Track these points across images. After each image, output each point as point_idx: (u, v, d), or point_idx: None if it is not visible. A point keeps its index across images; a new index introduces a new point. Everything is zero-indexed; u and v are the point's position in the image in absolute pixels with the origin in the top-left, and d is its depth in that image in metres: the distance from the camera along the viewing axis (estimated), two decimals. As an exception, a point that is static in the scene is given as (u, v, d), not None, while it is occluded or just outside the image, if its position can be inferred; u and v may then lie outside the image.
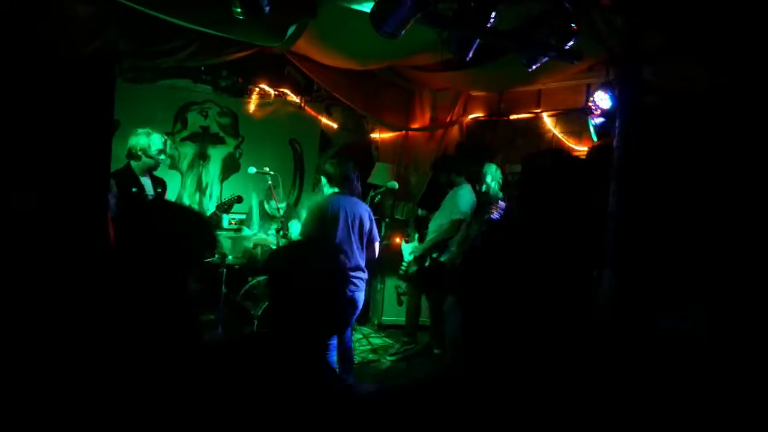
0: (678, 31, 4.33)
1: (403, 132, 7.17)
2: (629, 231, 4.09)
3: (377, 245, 4.46)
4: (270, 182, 5.19)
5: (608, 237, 4.09)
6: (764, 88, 4.15)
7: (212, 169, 6.48)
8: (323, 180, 4.40)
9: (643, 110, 4.36)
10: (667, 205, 4.38)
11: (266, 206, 5.98)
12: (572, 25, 3.83)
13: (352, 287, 4.31)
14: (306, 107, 6.86)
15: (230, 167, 6.55)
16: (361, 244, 4.30)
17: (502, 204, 4.66)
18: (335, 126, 7.13)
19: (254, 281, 5.20)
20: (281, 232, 5.02)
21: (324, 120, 7.07)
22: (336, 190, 4.27)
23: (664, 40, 4.37)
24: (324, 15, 4.29)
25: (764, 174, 4.03)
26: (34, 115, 3.18)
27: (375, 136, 7.43)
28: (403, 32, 3.18)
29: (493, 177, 5.14)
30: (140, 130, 4.54)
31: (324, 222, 4.15)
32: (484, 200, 5.06)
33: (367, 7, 3.23)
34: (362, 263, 4.34)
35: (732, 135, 4.31)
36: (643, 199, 4.23)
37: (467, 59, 3.70)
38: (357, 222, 4.22)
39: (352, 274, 4.20)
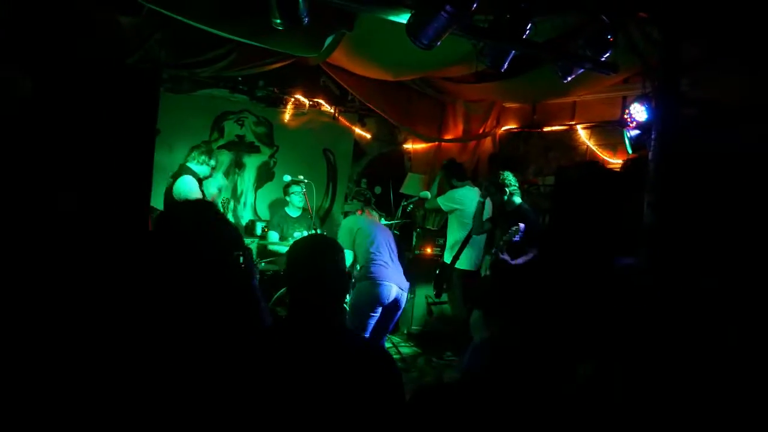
0: (717, 42, 4.28)
1: (436, 143, 7.19)
2: (664, 243, 4.03)
3: None
4: (304, 190, 5.26)
5: (642, 248, 4.04)
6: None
7: (247, 178, 6.60)
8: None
9: (681, 123, 4.31)
10: (703, 218, 4.32)
11: (288, 209, 6.06)
12: (608, 36, 3.82)
13: (399, 291, 4.57)
14: (340, 117, 6.94)
15: (264, 176, 6.66)
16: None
17: (522, 226, 4.66)
18: (368, 136, 7.20)
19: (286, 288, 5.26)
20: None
21: (357, 130, 7.14)
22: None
23: (702, 51, 4.32)
24: (360, 26, 4.36)
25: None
26: (82, 123, 3.30)
27: (408, 146, 7.48)
28: (438, 43, 3.22)
29: (513, 184, 5.13)
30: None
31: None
32: (509, 209, 5.06)
33: (403, 19, 3.28)
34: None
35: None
36: (679, 212, 4.17)
37: (502, 70, 3.71)
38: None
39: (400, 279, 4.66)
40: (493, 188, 5.12)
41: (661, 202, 4.14)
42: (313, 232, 5.13)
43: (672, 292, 3.80)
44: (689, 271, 3.94)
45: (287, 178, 5.31)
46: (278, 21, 3.23)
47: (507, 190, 5.03)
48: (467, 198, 5.68)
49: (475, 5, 3.03)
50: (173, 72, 5.78)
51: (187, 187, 4.94)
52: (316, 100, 6.71)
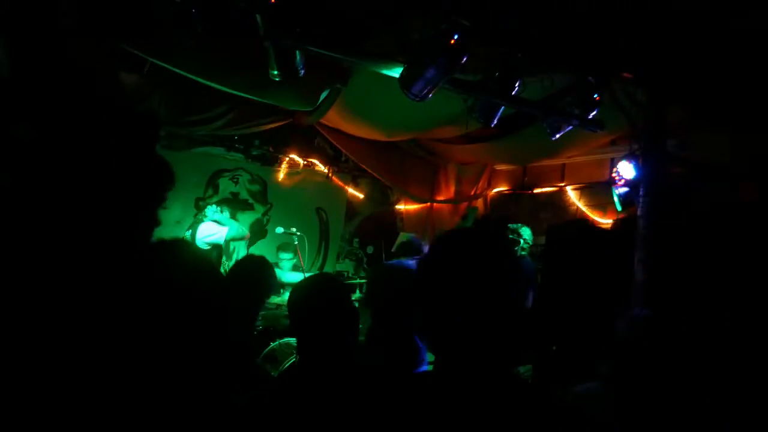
0: (701, 103, 4.43)
1: (428, 204, 7.27)
2: (655, 299, 4.03)
3: None
4: (296, 242, 5.27)
5: (636, 305, 4.02)
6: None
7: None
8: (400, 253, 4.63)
9: (668, 180, 4.40)
10: (691, 274, 4.34)
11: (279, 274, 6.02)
12: (594, 95, 3.95)
13: None
14: (333, 177, 7.03)
15: (258, 233, 6.66)
16: None
17: None
18: (361, 196, 7.27)
19: (276, 344, 5.16)
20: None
21: (350, 190, 7.22)
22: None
23: (686, 112, 4.46)
24: (354, 86, 4.49)
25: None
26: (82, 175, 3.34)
27: (400, 207, 7.55)
28: (430, 96, 3.31)
29: (528, 242, 5.16)
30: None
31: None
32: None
33: (396, 73, 3.39)
34: None
35: (760, 206, 4.31)
36: (669, 268, 4.19)
37: (492, 125, 3.81)
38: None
39: None
40: (511, 237, 5.17)
41: (650, 259, 4.16)
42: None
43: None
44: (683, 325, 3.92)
45: (279, 230, 5.33)
46: (275, 72, 3.33)
47: (521, 242, 5.09)
48: None
49: (465, 59, 3.14)
50: (171, 129, 5.88)
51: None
52: (310, 159, 6.82)
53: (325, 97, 4.48)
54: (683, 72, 4.24)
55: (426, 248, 4.64)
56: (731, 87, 4.19)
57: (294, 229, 5.29)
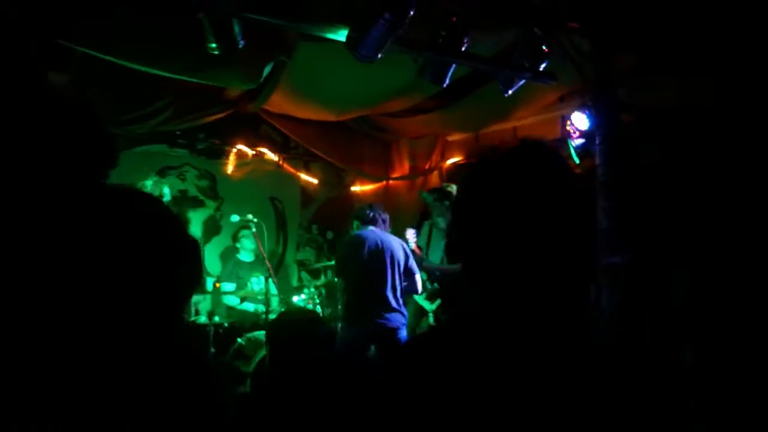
0: (646, 51, 4.45)
1: (384, 183, 7.16)
2: (621, 246, 4.04)
3: (418, 278, 4.50)
4: (254, 230, 5.10)
5: (602, 252, 4.02)
6: (736, 101, 4.23)
7: (193, 234, 6.34)
8: (355, 223, 4.52)
9: (621, 129, 4.41)
10: (651, 218, 4.37)
11: (240, 256, 5.80)
12: (543, 47, 3.91)
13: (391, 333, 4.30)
14: (284, 165, 6.84)
15: (212, 230, 6.42)
16: (398, 278, 4.33)
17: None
18: (315, 182, 7.10)
19: (243, 339, 4.98)
20: (270, 279, 4.89)
21: (303, 176, 7.04)
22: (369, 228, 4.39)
23: (633, 60, 4.48)
24: (298, 62, 4.32)
25: (740, 184, 4.07)
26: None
27: (356, 189, 7.41)
28: (379, 56, 3.19)
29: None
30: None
31: (356, 255, 4.25)
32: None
33: (341, 36, 3.25)
34: (398, 304, 4.34)
35: (708, 147, 4.37)
36: (630, 215, 4.21)
37: (443, 85, 3.71)
38: (389, 254, 4.29)
39: (388, 316, 4.28)
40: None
41: (612, 205, 4.17)
42: (270, 277, 4.91)
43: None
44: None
45: (235, 218, 5.14)
46: (213, 45, 3.15)
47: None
48: None
49: (411, 12, 3.03)
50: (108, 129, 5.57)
51: None
52: (258, 149, 6.60)
53: (270, 76, 4.30)
54: (628, 19, 4.25)
55: (381, 215, 4.53)
56: (675, 31, 4.21)
57: (250, 216, 5.11)
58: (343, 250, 4.54)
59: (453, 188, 4.97)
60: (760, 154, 4.05)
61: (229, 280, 5.65)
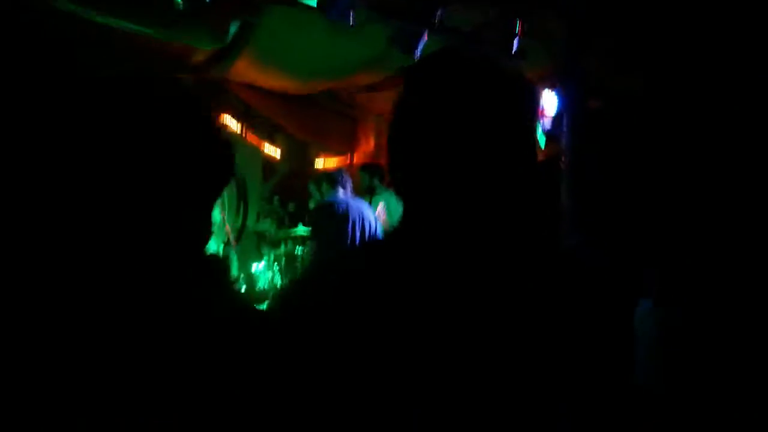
0: (618, 38, 4.47)
1: (348, 160, 7.07)
2: (584, 224, 4.07)
3: None
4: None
5: (568, 233, 4.05)
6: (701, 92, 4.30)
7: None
8: (324, 185, 4.41)
9: (589, 113, 4.44)
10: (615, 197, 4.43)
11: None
12: (515, 27, 3.89)
13: None
14: (247, 136, 6.67)
15: (169, 198, 6.25)
16: None
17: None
18: (278, 154, 6.97)
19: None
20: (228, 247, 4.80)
21: (266, 148, 6.89)
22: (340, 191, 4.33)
23: (605, 46, 4.50)
24: (266, 29, 4.20)
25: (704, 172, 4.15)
26: None
27: (319, 160, 7.32)
28: (351, 19, 3.10)
29: None
30: None
31: (336, 221, 4.16)
32: None
33: (313, 0, 3.15)
34: None
35: (671, 135, 4.45)
36: (597, 197, 4.24)
37: (414, 56, 3.65)
38: (365, 222, 4.24)
39: None
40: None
41: (577, 186, 4.20)
42: (227, 243, 4.80)
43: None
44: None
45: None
46: (179, 1, 3.01)
47: None
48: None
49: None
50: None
51: None
52: (220, 119, 6.41)
53: (236, 37, 4.16)
54: (602, 5, 4.27)
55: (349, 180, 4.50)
56: (649, 22, 4.24)
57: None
58: (323, 219, 4.43)
59: None
60: (724, 144, 4.13)
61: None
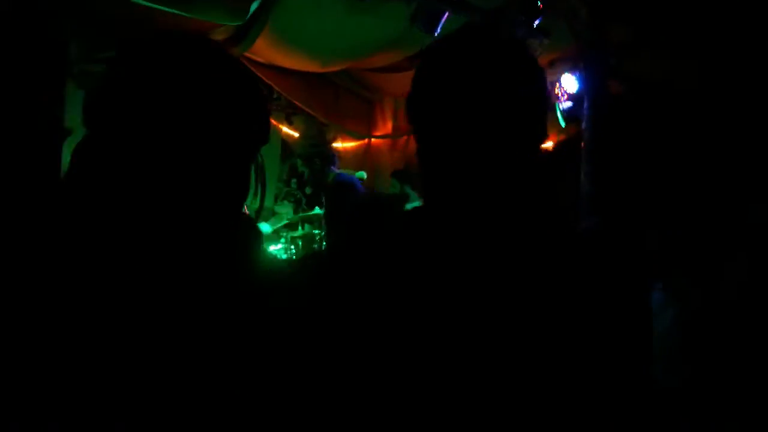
0: (641, 23, 4.40)
1: (365, 141, 7.06)
2: (604, 209, 4.04)
3: None
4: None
5: (586, 217, 4.02)
6: (722, 81, 4.23)
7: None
8: None
9: (610, 96, 4.38)
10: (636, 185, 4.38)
11: None
12: (538, 2, 3.84)
13: None
14: (265, 116, 6.69)
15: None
16: None
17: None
18: (296, 135, 6.97)
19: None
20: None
21: (285, 129, 6.90)
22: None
23: (628, 30, 4.43)
24: (285, 8, 4.19)
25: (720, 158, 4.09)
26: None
27: (337, 145, 7.31)
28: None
29: None
30: None
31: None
32: None
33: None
34: None
35: (695, 123, 4.38)
36: (615, 180, 4.20)
37: (435, 33, 3.63)
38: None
39: None
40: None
41: (597, 171, 4.16)
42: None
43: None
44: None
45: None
46: (201, -26, 3.00)
47: None
48: None
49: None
50: (84, 67, 5.37)
51: None
52: (240, 97, 6.44)
53: (255, 15, 4.15)
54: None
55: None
56: (670, 9, 4.18)
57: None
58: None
59: None
60: (738, 135, 4.07)
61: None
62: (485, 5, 3.89)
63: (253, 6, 3.84)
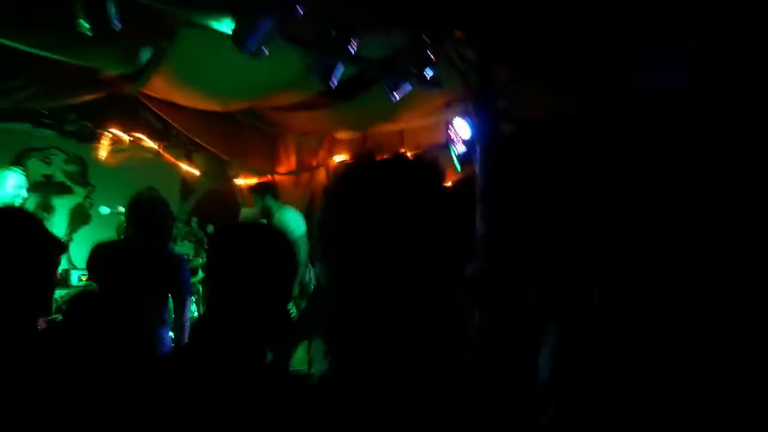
0: (526, 64, 4.66)
1: (269, 177, 7.01)
2: (500, 252, 4.20)
3: None
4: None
5: (481, 258, 4.17)
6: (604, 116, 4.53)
7: (57, 222, 5.88)
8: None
9: (501, 138, 4.59)
10: (528, 224, 4.60)
11: None
12: (429, 53, 3.98)
13: None
14: (164, 153, 6.50)
15: (79, 219, 6.00)
16: None
17: None
18: (197, 173, 6.82)
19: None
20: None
21: (184, 167, 6.74)
22: None
23: (514, 72, 4.67)
24: (181, 48, 4.12)
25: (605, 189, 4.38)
26: None
27: (240, 182, 7.21)
28: (265, 51, 3.10)
29: None
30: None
31: None
32: None
33: (225, 27, 3.13)
34: None
35: (580, 159, 4.66)
36: (509, 221, 4.39)
37: (331, 85, 3.69)
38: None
39: None
40: None
41: (491, 213, 4.33)
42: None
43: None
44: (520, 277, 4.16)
45: (105, 210, 4.82)
46: (86, 26, 2.91)
47: None
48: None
49: (301, 11, 2.98)
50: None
51: None
52: (136, 134, 6.23)
53: (149, 60, 4.06)
54: (510, 33, 4.43)
55: None
56: (552, 48, 4.44)
57: (121, 208, 4.80)
58: None
59: None
60: (624, 162, 4.35)
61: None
62: (377, 56, 4.00)
63: (144, 55, 3.75)
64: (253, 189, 5.85)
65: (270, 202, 5.63)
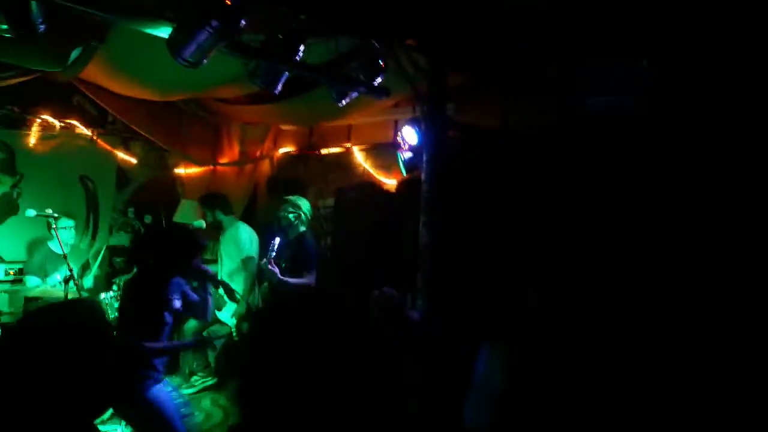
0: (474, 71, 4.63)
1: (211, 167, 6.81)
2: (441, 259, 4.21)
3: None
4: (53, 224, 4.55)
5: (423, 266, 4.17)
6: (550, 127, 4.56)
7: (-19, 211, 5.57)
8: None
9: (448, 145, 4.55)
10: (472, 234, 4.62)
11: (51, 244, 5.18)
12: (380, 61, 3.88)
13: None
14: (99, 141, 6.21)
15: (6, 209, 5.67)
16: None
17: (276, 240, 4.75)
18: (134, 161, 6.55)
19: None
20: (71, 282, 4.39)
21: (121, 155, 6.45)
22: None
23: (463, 80, 4.64)
24: (116, 39, 3.89)
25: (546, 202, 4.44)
26: None
27: (180, 171, 6.97)
28: (204, 61, 2.95)
29: (308, 216, 5.05)
30: None
31: None
32: (292, 236, 4.96)
33: (164, 33, 2.95)
34: None
35: (524, 168, 4.69)
36: (452, 229, 4.39)
37: (276, 92, 3.55)
38: None
39: None
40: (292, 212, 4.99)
41: (434, 222, 4.31)
42: (71, 278, 4.42)
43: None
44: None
45: (31, 212, 4.56)
46: (5, 27, 2.69)
47: (303, 218, 4.97)
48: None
49: (244, 22, 2.83)
50: None
51: None
52: (68, 121, 5.92)
53: (80, 54, 3.82)
54: (461, 40, 4.37)
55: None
56: (501, 56, 4.42)
57: (49, 210, 4.56)
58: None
59: (302, 202, 4.99)
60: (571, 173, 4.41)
61: (36, 274, 5.02)
62: (323, 60, 3.88)
63: (74, 54, 3.52)
64: (201, 201, 5.65)
65: (220, 216, 5.45)
